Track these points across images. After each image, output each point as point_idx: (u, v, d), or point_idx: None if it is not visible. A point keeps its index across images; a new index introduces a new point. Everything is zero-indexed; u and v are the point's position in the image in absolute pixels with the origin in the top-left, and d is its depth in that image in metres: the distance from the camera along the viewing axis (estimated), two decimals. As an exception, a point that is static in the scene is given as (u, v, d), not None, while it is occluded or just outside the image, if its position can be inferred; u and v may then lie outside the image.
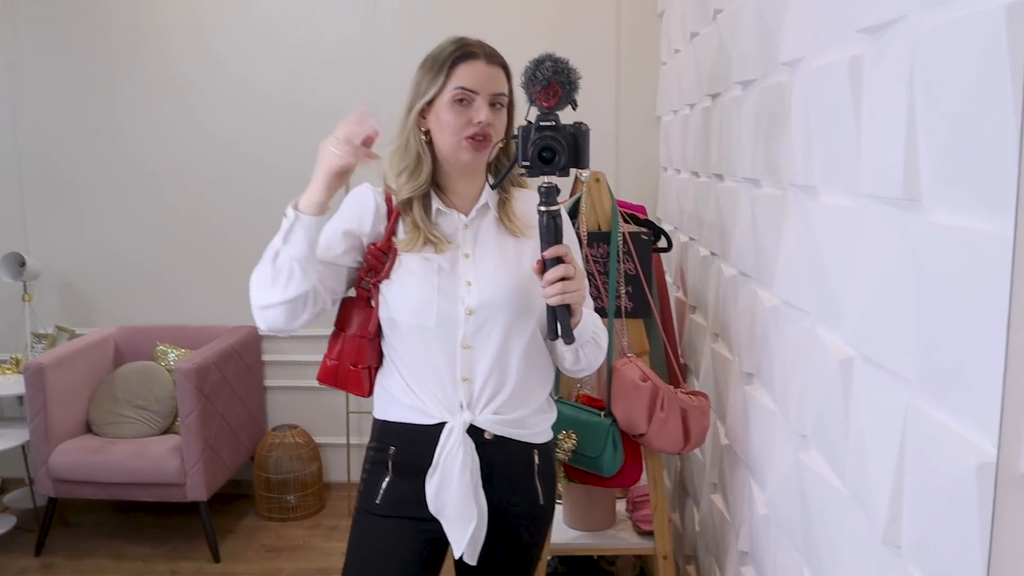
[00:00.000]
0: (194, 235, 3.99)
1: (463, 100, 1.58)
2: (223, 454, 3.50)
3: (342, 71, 3.81)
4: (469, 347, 1.61)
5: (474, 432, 1.62)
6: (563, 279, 1.50)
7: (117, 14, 3.89)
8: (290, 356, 3.99)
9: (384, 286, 1.64)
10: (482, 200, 1.68)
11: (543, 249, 1.51)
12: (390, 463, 1.67)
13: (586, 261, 2.14)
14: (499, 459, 1.65)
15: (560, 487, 2.30)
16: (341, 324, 1.71)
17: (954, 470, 0.94)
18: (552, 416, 1.75)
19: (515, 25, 3.55)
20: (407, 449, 1.66)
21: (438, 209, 1.66)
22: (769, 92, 1.77)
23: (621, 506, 2.47)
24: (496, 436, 1.64)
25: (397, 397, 1.66)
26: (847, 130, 1.29)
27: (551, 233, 1.50)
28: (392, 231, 1.66)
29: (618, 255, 2.15)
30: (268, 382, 4.04)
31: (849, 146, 1.29)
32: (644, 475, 2.24)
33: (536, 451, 1.71)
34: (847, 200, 1.31)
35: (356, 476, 3.87)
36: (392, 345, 1.67)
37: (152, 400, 3.56)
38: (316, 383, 1.75)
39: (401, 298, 1.62)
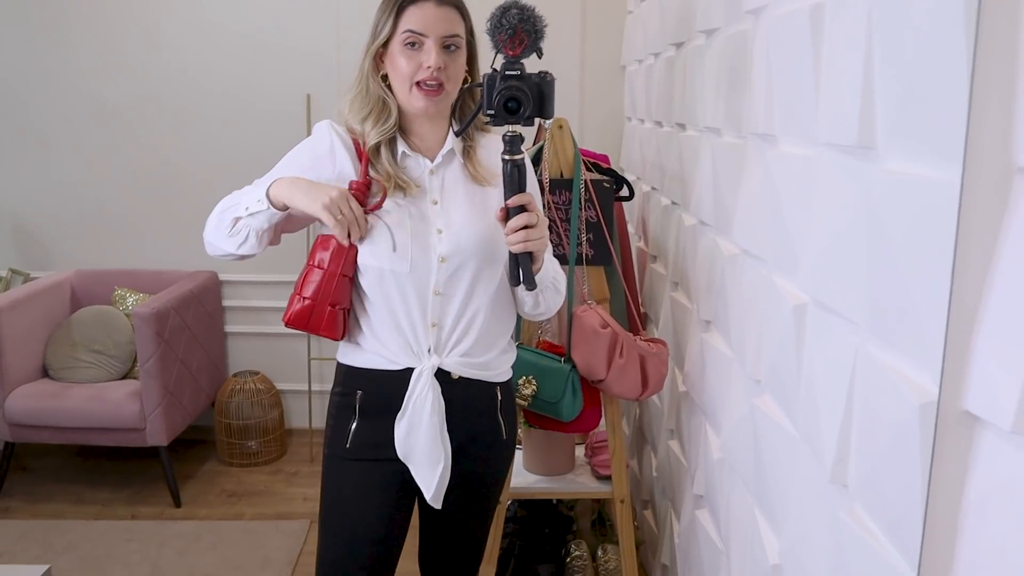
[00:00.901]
0: (154, 177, 3.92)
1: (413, 43, 1.56)
2: (183, 399, 3.49)
3: (307, 7, 3.74)
4: (440, 293, 1.62)
5: (440, 374, 1.64)
6: (526, 227, 1.52)
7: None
8: (251, 302, 3.96)
9: (371, 228, 1.61)
10: (448, 145, 1.66)
11: (506, 197, 1.53)
12: (357, 407, 1.67)
13: (548, 208, 2.15)
14: (464, 398, 1.67)
15: (520, 432, 2.33)
16: (318, 261, 1.62)
17: (899, 410, 0.97)
18: (513, 356, 1.77)
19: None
20: (374, 393, 1.66)
21: (404, 152, 1.64)
22: (732, 41, 1.77)
23: (580, 452, 2.52)
24: (461, 377, 1.65)
25: (362, 343, 1.66)
26: (806, 79, 1.30)
27: (515, 182, 1.52)
28: (366, 170, 1.61)
29: (580, 202, 2.16)
30: (229, 328, 4.01)
31: (808, 95, 1.30)
32: (603, 421, 2.28)
33: (498, 388, 1.74)
34: (805, 149, 1.33)
35: (318, 422, 3.90)
36: (361, 290, 1.65)
37: (110, 345, 3.53)
38: (278, 329, 1.74)
39: (378, 243, 1.59)
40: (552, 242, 2.17)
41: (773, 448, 1.49)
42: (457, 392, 1.65)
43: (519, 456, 2.41)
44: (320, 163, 1.63)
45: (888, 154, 1.04)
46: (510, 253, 1.56)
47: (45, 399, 3.33)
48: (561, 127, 2.16)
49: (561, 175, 2.18)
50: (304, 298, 1.61)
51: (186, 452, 3.83)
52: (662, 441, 2.56)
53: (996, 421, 0.79)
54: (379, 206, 1.58)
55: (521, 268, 1.55)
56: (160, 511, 3.37)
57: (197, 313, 3.66)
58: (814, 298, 1.29)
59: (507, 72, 1.49)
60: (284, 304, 1.68)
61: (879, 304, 1.04)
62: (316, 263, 1.62)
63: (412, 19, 1.55)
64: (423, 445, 1.62)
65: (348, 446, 1.68)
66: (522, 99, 1.47)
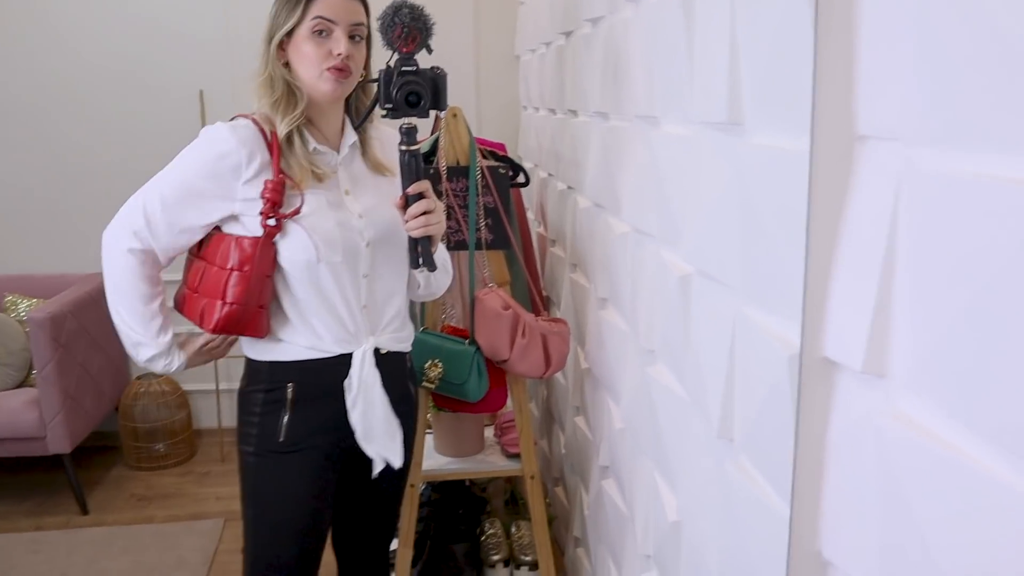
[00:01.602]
0: (42, 175, 3.80)
1: (322, 31, 1.59)
2: (85, 404, 3.42)
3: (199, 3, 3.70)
4: (367, 275, 1.70)
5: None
6: (425, 212, 1.60)
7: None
8: (151, 304, 3.89)
9: (289, 223, 1.62)
10: (351, 138, 1.72)
11: (405, 186, 1.61)
12: (288, 400, 1.69)
13: (446, 195, 2.20)
14: (388, 370, 1.74)
15: (430, 416, 2.38)
16: (241, 263, 1.61)
17: (772, 363, 1.06)
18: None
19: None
20: (306, 383, 1.70)
21: (315, 148, 1.67)
22: (616, 27, 1.86)
23: (490, 433, 2.58)
24: (388, 351, 1.75)
25: (287, 338, 1.69)
26: (681, 62, 1.39)
27: (412, 170, 1.60)
28: (278, 166, 1.61)
29: (477, 189, 2.22)
30: (129, 331, 3.93)
31: (684, 78, 1.39)
32: (510, 401, 2.35)
33: (406, 357, 1.86)
34: (683, 128, 1.42)
35: (227, 422, 3.86)
36: (284, 284, 1.66)
37: (3, 353, 3.42)
38: (182, 328, 1.75)
39: (306, 236, 1.61)
40: (451, 228, 2.22)
41: (668, 413, 1.58)
42: (384, 366, 1.73)
43: (429, 440, 2.46)
44: (221, 172, 1.61)
45: (754, 129, 1.13)
46: (409, 238, 1.64)
47: (-64, 412, 3.21)
48: (455, 116, 2.21)
49: (458, 163, 2.23)
50: (230, 303, 1.62)
51: (91, 459, 3.75)
52: (568, 418, 2.64)
53: (849, 363, 0.89)
54: (299, 211, 1.61)
55: (421, 251, 1.64)
56: (67, 520, 3.30)
57: (96, 316, 3.57)
58: (697, 268, 1.38)
59: (404, 68, 1.58)
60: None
61: (751, 268, 1.13)
62: (231, 266, 1.62)
63: (322, 7, 1.59)
64: (380, 422, 1.72)
65: (282, 440, 1.70)
66: (421, 92, 1.57)
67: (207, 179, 1.61)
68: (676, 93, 1.45)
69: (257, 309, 1.63)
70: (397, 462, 1.75)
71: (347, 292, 1.68)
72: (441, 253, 1.81)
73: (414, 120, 1.59)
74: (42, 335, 3.17)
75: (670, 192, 1.50)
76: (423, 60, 1.59)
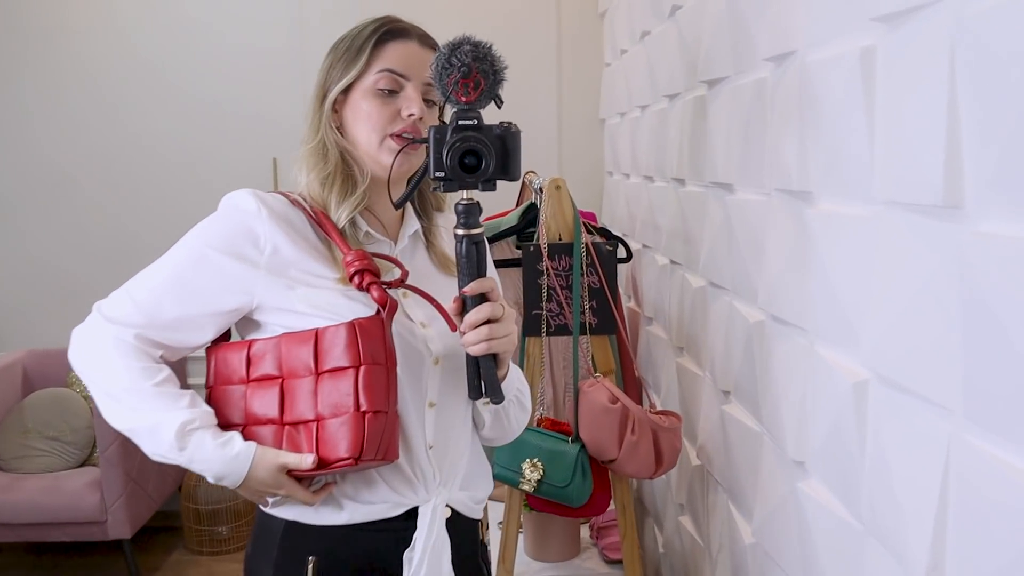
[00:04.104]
0: (113, 249, 3.72)
1: (390, 90, 1.29)
2: (147, 486, 3.26)
3: (267, 74, 3.63)
4: (434, 405, 1.32)
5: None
6: (488, 321, 1.22)
7: (28, 9, 3.62)
8: (217, 378, 3.75)
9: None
10: (413, 226, 1.39)
11: (462, 283, 1.22)
12: None
13: (547, 275, 1.99)
14: (459, 542, 1.35)
15: (521, 516, 2.14)
16: (364, 357, 1.20)
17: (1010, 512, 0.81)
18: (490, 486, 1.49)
19: (451, 26, 3.37)
20: (338, 557, 1.29)
21: (367, 232, 1.33)
22: (746, 90, 1.65)
23: (585, 532, 2.34)
24: (453, 515, 1.34)
25: (343, 490, 1.28)
26: (857, 129, 1.17)
27: (472, 263, 1.22)
28: (346, 243, 1.28)
29: (582, 268, 2.01)
30: (194, 406, 3.79)
31: (860, 148, 1.16)
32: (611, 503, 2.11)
33: (479, 526, 1.46)
34: (858, 208, 1.19)
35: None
36: None
37: (67, 431, 3.29)
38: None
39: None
40: (552, 311, 2.01)
41: (826, 539, 1.33)
42: (455, 535, 1.34)
43: (520, 542, 2.22)
44: (242, 247, 1.27)
45: (980, 214, 0.90)
46: (468, 357, 1.25)
47: (-5, 493, 3.08)
48: (559, 187, 2.02)
49: (560, 239, 2.03)
50: (374, 412, 1.19)
51: (150, 540, 3.59)
52: (669, 516, 2.39)
53: None
54: (405, 276, 1.27)
55: (483, 375, 1.24)
56: (125, 609, 3.12)
57: (160, 392, 3.44)
58: (878, 374, 1.14)
59: (461, 122, 1.18)
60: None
61: (975, 385, 0.89)
62: (363, 361, 1.20)
63: (392, 58, 1.29)
64: None
65: None
66: (482, 153, 1.17)
67: (225, 246, 1.29)
68: (843, 165, 1.23)
69: (394, 413, 1.26)
70: None
71: (410, 423, 1.29)
72: (514, 379, 1.37)
73: (475, 195, 1.22)
74: (106, 414, 3.02)
75: (835, 281, 1.27)
76: (492, 116, 1.22)
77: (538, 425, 2.03)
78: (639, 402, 2.10)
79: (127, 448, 3.09)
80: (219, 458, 1.22)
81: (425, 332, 1.32)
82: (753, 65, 1.61)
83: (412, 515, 1.30)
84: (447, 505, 1.32)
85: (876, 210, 1.12)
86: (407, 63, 1.29)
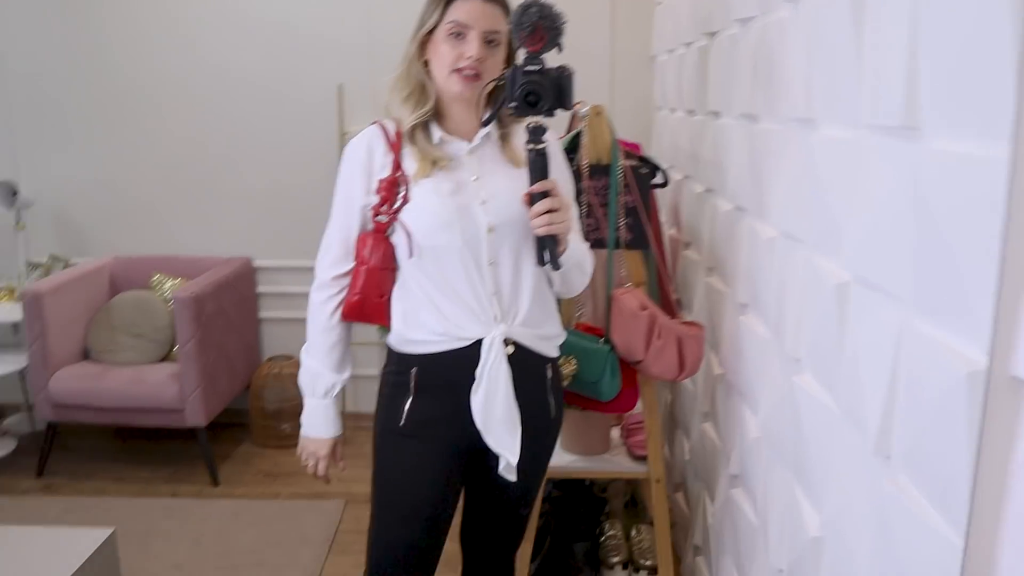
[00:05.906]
0: (188, 164, 4.00)
1: (458, 34, 1.66)
2: (220, 383, 3.57)
3: (336, 7, 3.81)
4: (494, 263, 1.71)
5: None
6: (549, 211, 1.61)
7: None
8: (284, 288, 4.03)
9: (405, 214, 1.70)
10: (485, 130, 1.75)
11: (531, 183, 1.63)
12: (412, 384, 1.74)
13: (587, 193, 2.19)
14: (518, 374, 1.71)
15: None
16: (361, 258, 1.75)
17: (946, 380, 1.01)
18: (563, 336, 1.84)
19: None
20: (430, 371, 1.73)
21: (442, 137, 1.74)
22: (769, 28, 1.81)
23: (616, 433, 2.56)
24: (516, 350, 1.71)
25: (418, 323, 1.73)
26: (848, 62, 1.34)
27: (537, 169, 1.63)
28: (398, 163, 1.72)
29: (618, 188, 2.20)
30: (263, 314, 4.09)
31: (850, 78, 1.34)
32: (639, 403, 2.33)
33: (548, 365, 1.81)
34: (847, 132, 1.37)
35: (351, 406, 3.97)
36: (418, 272, 1.73)
37: (149, 329, 3.61)
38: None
39: (425, 221, 1.69)
40: (591, 226, 2.22)
41: (813, 424, 1.53)
42: (519, 365, 1.71)
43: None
44: (357, 181, 1.75)
45: (934, 134, 1.08)
46: (535, 235, 1.66)
47: (88, 380, 3.42)
48: (599, 114, 2.20)
49: (599, 161, 2.22)
50: (354, 294, 1.75)
51: (221, 434, 3.91)
52: (695, 424, 2.60)
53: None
54: (406, 202, 1.70)
55: (547, 249, 1.66)
56: (199, 490, 3.45)
57: (233, 298, 3.74)
58: (857, 276, 1.33)
59: (527, 68, 1.59)
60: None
61: (924, 279, 1.08)
62: (360, 260, 1.76)
63: (458, 11, 1.66)
64: (501, 413, 1.69)
65: (402, 424, 1.75)
66: (541, 92, 1.57)
67: (357, 182, 1.76)
68: (839, 94, 1.41)
69: (378, 300, 1.75)
70: (513, 458, 1.70)
71: (473, 278, 1.70)
72: (577, 252, 1.78)
73: (543, 119, 1.61)
74: (186, 313, 3.32)
75: (828, 198, 1.45)
76: (556, 59, 1.59)
77: (574, 328, 2.25)
78: (673, 315, 2.30)
79: (203, 346, 3.39)
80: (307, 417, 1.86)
81: (482, 208, 1.70)
82: (776, 5, 1.77)
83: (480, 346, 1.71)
84: (512, 341, 1.71)
85: (860, 133, 1.31)
86: (470, 16, 1.66)
